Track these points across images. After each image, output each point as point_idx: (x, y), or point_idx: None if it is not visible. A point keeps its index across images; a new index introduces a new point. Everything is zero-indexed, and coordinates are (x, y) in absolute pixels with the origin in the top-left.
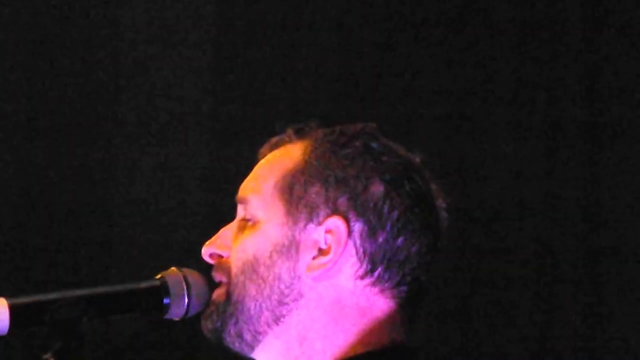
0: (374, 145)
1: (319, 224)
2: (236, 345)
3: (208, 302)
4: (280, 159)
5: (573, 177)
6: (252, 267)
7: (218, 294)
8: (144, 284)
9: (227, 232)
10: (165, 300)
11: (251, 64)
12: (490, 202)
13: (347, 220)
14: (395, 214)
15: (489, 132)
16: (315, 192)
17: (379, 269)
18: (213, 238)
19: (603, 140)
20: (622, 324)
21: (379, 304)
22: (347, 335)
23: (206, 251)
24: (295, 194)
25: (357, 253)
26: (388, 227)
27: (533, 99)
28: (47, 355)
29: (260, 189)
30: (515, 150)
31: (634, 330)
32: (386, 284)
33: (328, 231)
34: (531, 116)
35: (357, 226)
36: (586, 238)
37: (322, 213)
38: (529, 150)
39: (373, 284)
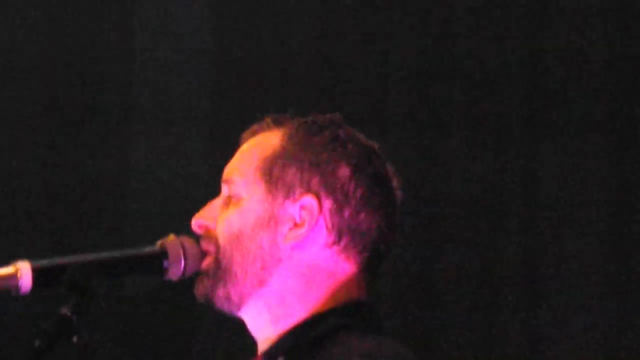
0: (341, 133)
1: (295, 201)
2: (225, 307)
3: (199, 271)
4: (261, 145)
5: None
6: (237, 239)
7: (207, 262)
8: (146, 250)
9: (214, 206)
10: (165, 263)
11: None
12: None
13: (318, 198)
14: (359, 193)
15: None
16: (291, 174)
17: (345, 239)
18: (201, 211)
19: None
20: (560, 319)
21: (344, 268)
22: (318, 294)
23: (195, 222)
24: (274, 176)
25: (326, 226)
26: (353, 204)
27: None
28: (64, 310)
29: (244, 171)
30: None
31: (571, 328)
32: (351, 252)
33: (302, 207)
34: (475, 117)
35: (327, 203)
36: (525, 237)
37: (297, 192)
38: (473, 150)
39: (340, 252)
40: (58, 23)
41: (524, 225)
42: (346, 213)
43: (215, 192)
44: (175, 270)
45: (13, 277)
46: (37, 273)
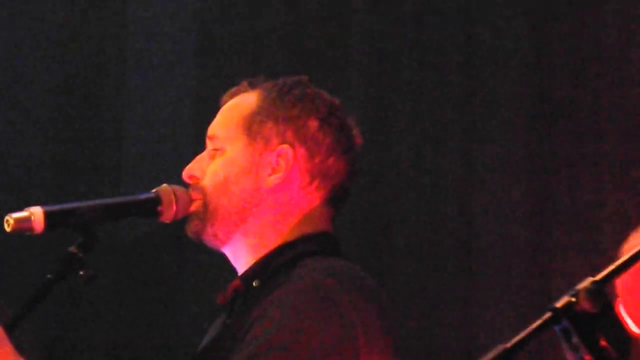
0: (308, 91)
1: (272, 150)
2: (212, 242)
3: (188, 214)
4: (240, 105)
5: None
6: (223, 185)
7: (196, 206)
8: (143, 196)
9: (200, 159)
10: (159, 208)
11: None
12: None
13: (293, 147)
14: (327, 141)
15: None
16: (268, 127)
17: (316, 181)
18: (190, 164)
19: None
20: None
21: (314, 205)
22: (291, 227)
23: (186, 173)
24: (253, 130)
25: (300, 170)
26: (322, 151)
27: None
28: (72, 248)
29: (227, 127)
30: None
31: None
32: (321, 191)
33: (279, 155)
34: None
35: (300, 151)
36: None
37: (274, 142)
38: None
39: (312, 192)
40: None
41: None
42: (317, 159)
43: (201, 148)
44: (168, 213)
45: (28, 219)
46: (48, 216)
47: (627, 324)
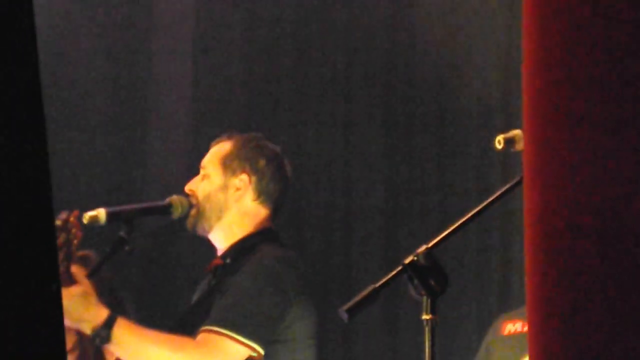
0: (261, 143)
1: (236, 177)
2: (201, 232)
3: (188, 215)
4: (220, 149)
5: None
6: (208, 197)
7: (193, 212)
8: (161, 202)
9: (196, 180)
10: (171, 210)
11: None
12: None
13: (249, 175)
14: (269, 174)
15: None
16: (235, 164)
17: (262, 197)
18: (190, 183)
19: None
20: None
21: (262, 212)
22: (249, 225)
23: (187, 188)
24: (226, 165)
25: (253, 190)
26: (266, 179)
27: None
28: (121, 233)
29: (212, 162)
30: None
31: None
32: (266, 203)
33: (241, 180)
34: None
35: (254, 178)
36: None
37: (238, 172)
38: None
39: (260, 203)
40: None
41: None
42: (263, 183)
43: (197, 172)
44: (176, 213)
45: (96, 216)
46: (108, 214)
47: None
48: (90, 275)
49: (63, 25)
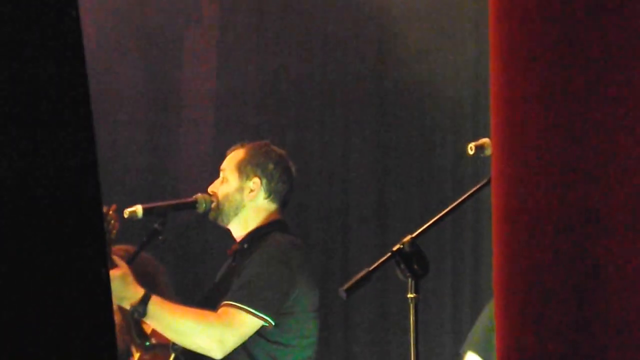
0: (269, 149)
1: (250, 180)
2: (221, 224)
3: (211, 209)
4: (236, 155)
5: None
6: (227, 197)
7: (214, 206)
8: (189, 199)
9: (217, 182)
10: (197, 205)
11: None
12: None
13: (260, 178)
14: (277, 176)
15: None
16: (249, 169)
17: (272, 196)
18: (213, 184)
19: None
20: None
21: (272, 207)
22: (262, 217)
23: (210, 189)
24: (241, 170)
25: (264, 190)
26: (275, 181)
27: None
28: (156, 225)
29: (229, 167)
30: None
31: None
32: (275, 201)
33: (254, 183)
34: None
35: (264, 180)
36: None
37: (252, 176)
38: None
39: (270, 200)
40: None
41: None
42: (272, 184)
43: (217, 173)
44: (201, 209)
45: (134, 211)
46: (144, 210)
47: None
48: (129, 261)
49: (99, 39)
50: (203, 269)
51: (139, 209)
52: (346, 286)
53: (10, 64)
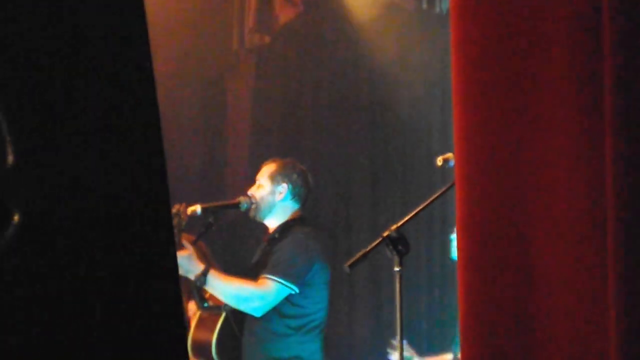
0: (294, 164)
1: (280, 185)
2: (258, 220)
3: (250, 208)
4: (269, 167)
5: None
6: (262, 200)
7: (253, 208)
8: (234, 200)
9: (254, 187)
10: (240, 205)
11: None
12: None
13: (287, 185)
14: (299, 182)
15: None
16: (279, 178)
17: (296, 197)
18: (250, 189)
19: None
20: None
21: (295, 206)
22: (288, 214)
23: (249, 192)
24: (274, 178)
25: (290, 194)
26: (298, 186)
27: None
28: (210, 219)
29: (263, 177)
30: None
31: None
32: (298, 201)
33: (283, 188)
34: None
35: (290, 186)
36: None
37: (281, 183)
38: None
39: (294, 201)
40: None
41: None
42: (296, 189)
43: (254, 180)
44: (242, 208)
45: (195, 210)
46: (202, 209)
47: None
48: (194, 243)
49: (165, 75)
50: (242, 252)
51: (198, 207)
52: (349, 263)
53: (103, 88)
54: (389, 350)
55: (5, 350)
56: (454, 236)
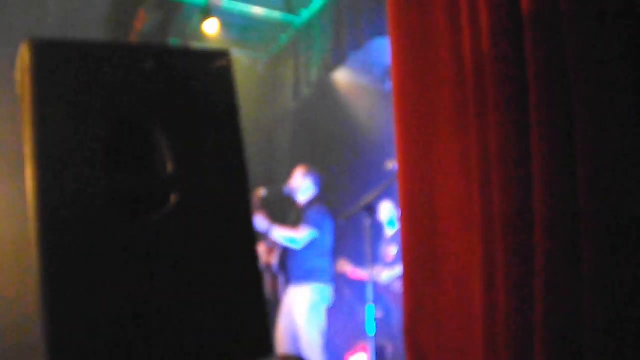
0: (314, 169)
1: (305, 179)
2: (294, 198)
3: (289, 192)
4: (300, 170)
5: None
6: (297, 188)
7: (290, 191)
8: (281, 187)
9: (292, 180)
10: (284, 190)
11: None
12: None
13: (310, 179)
14: (317, 179)
15: None
16: (305, 175)
17: (315, 187)
18: (290, 181)
19: None
20: None
21: (315, 191)
22: (310, 196)
23: (288, 184)
24: (303, 176)
25: (312, 185)
26: (315, 179)
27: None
28: (269, 197)
29: (298, 173)
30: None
31: None
32: (316, 188)
33: (309, 182)
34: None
35: (312, 180)
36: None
37: (306, 179)
38: None
39: (313, 188)
40: None
41: None
42: (314, 182)
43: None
44: (285, 191)
45: (261, 192)
46: (267, 192)
47: None
48: (260, 211)
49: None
50: (286, 215)
51: (264, 191)
52: (344, 216)
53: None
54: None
55: None
56: None
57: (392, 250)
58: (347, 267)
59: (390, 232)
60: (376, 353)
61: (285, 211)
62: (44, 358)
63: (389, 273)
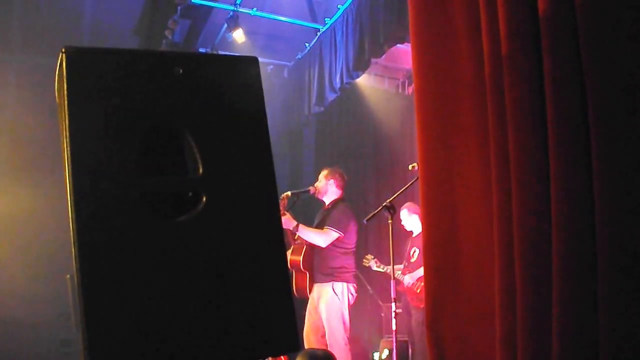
0: (338, 169)
1: (329, 181)
2: (321, 199)
3: (315, 193)
4: (324, 171)
5: None
6: (321, 189)
7: (316, 193)
8: (308, 189)
9: (317, 182)
10: (310, 191)
11: None
12: None
13: (334, 180)
14: (340, 179)
15: None
16: (329, 177)
17: (338, 187)
18: (316, 183)
19: None
20: None
21: (339, 192)
22: (335, 196)
23: (314, 185)
24: (327, 177)
25: (336, 186)
26: (339, 181)
27: None
28: (295, 198)
29: (322, 175)
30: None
31: None
32: (340, 189)
33: (332, 182)
34: None
35: (336, 181)
36: None
37: (330, 180)
38: None
39: (337, 189)
40: None
41: None
42: (338, 183)
43: (317, 178)
44: (311, 193)
45: (288, 194)
46: (292, 193)
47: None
48: (286, 211)
49: None
50: (313, 216)
51: (289, 193)
52: (367, 219)
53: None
54: (364, 262)
55: None
56: None
57: (414, 251)
58: (373, 263)
59: (413, 231)
60: (398, 348)
61: (311, 212)
62: (83, 352)
63: (411, 273)
